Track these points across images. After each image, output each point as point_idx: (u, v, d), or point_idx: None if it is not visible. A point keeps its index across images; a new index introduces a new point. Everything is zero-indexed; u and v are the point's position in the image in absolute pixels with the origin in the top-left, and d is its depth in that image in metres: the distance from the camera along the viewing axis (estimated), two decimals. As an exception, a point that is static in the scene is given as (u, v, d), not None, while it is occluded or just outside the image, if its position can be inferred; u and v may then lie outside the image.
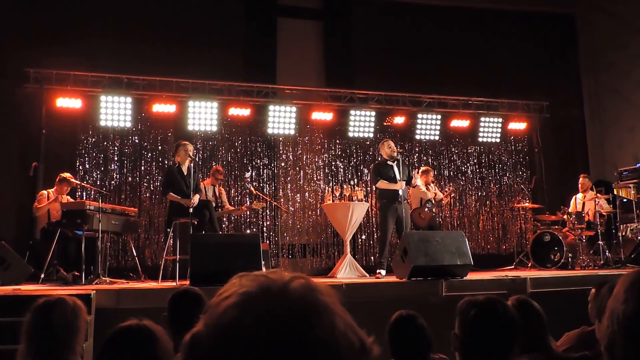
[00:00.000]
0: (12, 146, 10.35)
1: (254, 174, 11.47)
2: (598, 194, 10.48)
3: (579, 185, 10.83)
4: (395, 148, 9.17)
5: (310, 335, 0.78)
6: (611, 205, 10.44)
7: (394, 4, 12.70)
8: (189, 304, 3.48)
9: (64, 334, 2.69)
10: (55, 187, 8.64)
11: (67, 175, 8.79)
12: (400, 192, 8.82)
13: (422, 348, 3.27)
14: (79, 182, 9.27)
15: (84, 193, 10.07)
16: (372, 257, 11.53)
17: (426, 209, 10.04)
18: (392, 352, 3.27)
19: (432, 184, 10.49)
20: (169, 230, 8.31)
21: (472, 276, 7.74)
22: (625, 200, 10.70)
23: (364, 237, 11.78)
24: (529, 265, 10.28)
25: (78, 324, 2.74)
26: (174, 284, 7.30)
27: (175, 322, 3.38)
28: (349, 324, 0.83)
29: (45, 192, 8.62)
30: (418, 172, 10.55)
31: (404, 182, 8.89)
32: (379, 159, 9.47)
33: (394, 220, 8.80)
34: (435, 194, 10.32)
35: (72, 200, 8.82)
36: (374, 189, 9.76)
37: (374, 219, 11.69)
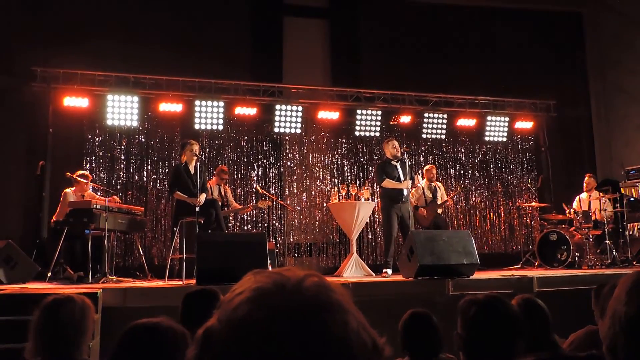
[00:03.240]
0: (19, 145, 10.39)
1: (260, 173, 11.48)
2: (601, 193, 10.45)
3: (584, 184, 10.80)
4: (399, 148, 9.19)
5: (324, 332, 0.78)
6: (618, 205, 10.40)
7: (400, 3, 12.69)
8: (206, 303, 3.45)
9: (72, 332, 2.69)
10: (75, 187, 8.62)
11: (83, 172, 8.80)
12: (405, 192, 8.83)
13: (435, 346, 3.28)
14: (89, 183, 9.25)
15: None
16: (378, 256, 11.53)
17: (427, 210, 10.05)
18: (404, 349, 3.27)
19: (437, 183, 10.47)
20: (175, 229, 8.33)
21: (478, 275, 7.74)
22: (632, 199, 10.66)
23: (370, 236, 11.78)
24: (536, 264, 10.25)
25: (86, 322, 2.75)
26: (180, 282, 7.31)
27: (188, 322, 3.35)
28: (362, 323, 0.83)
29: (69, 190, 8.59)
30: (419, 174, 10.52)
31: (410, 182, 8.91)
32: (384, 158, 9.47)
33: (398, 219, 8.81)
34: (441, 195, 10.30)
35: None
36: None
37: (379, 218, 11.68)
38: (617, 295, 1.26)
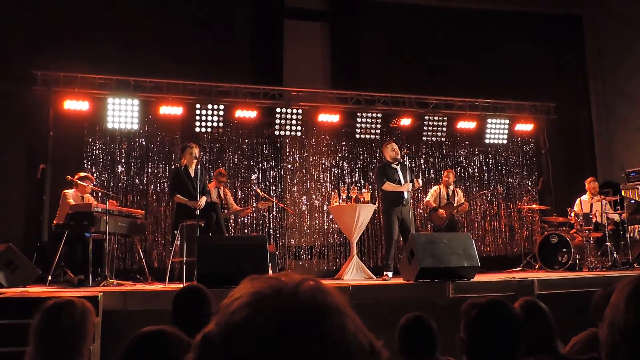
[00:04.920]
0: (20, 148, 10.39)
1: (260, 175, 11.48)
2: (601, 195, 10.43)
3: (590, 189, 10.74)
4: (399, 150, 9.18)
5: (322, 335, 0.78)
6: (619, 207, 10.39)
7: (400, 6, 12.70)
8: (194, 301, 3.47)
9: (72, 336, 2.68)
10: (75, 189, 8.62)
11: (85, 174, 8.80)
12: (405, 195, 8.81)
13: (430, 348, 3.28)
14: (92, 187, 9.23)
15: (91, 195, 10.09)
16: (378, 259, 11.52)
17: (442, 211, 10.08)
18: (400, 351, 3.28)
19: (456, 189, 10.52)
20: (175, 232, 8.32)
21: (479, 278, 7.72)
22: (633, 201, 10.64)
23: (370, 239, 11.77)
24: (537, 266, 10.24)
25: (86, 326, 2.75)
26: (180, 285, 7.30)
27: (179, 320, 3.36)
28: (359, 326, 0.83)
29: (70, 191, 8.60)
30: (418, 177, 10.56)
31: (410, 185, 8.89)
32: (383, 160, 9.47)
33: (399, 222, 8.80)
34: (457, 200, 10.33)
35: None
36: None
37: (380, 221, 11.70)
38: (615, 302, 1.25)
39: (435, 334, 3.31)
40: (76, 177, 8.60)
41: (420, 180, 9.50)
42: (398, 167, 9.07)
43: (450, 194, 10.33)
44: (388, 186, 8.92)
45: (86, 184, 8.60)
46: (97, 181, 10.31)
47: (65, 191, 8.56)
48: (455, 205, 10.22)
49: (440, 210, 10.10)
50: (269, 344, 0.76)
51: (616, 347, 1.22)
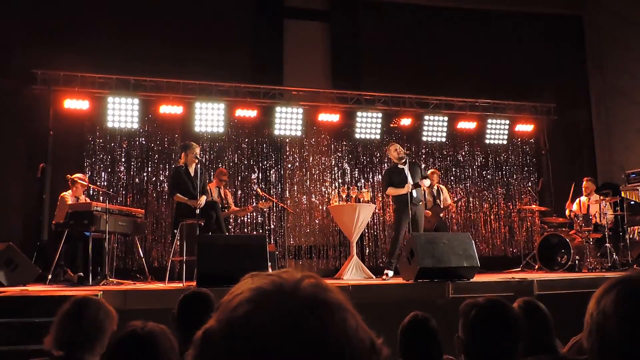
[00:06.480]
0: (20, 147, 10.39)
1: (260, 175, 11.48)
2: (601, 196, 10.42)
3: (583, 188, 10.77)
4: (402, 150, 9.05)
5: (323, 331, 0.78)
6: (618, 208, 10.39)
7: (400, 6, 12.69)
8: (199, 306, 3.48)
9: (92, 330, 2.75)
10: (72, 190, 8.63)
11: (79, 175, 8.82)
12: (415, 194, 8.66)
13: (434, 351, 3.26)
14: (88, 185, 9.23)
15: (91, 194, 10.09)
16: (378, 259, 11.53)
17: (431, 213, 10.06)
18: (402, 353, 3.26)
19: (440, 186, 10.49)
20: (175, 231, 8.32)
21: (478, 278, 7.72)
22: (632, 202, 10.64)
23: (370, 239, 11.77)
24: (536, 267, 10.25)
25: (106, 327, 2.81)
26: (180, 285, 7.31)
27: (183, 323, 3.37)
28: (360, 323, 0.84)
29: (67, 193, 8.61)
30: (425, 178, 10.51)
31: (411, 184, 8.73)
32: (389, 163, 9.39)
33: (408, 222, 8.67)
34: (443, 198, 10.32)
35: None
36: (381, 191, 9.73)
37: (380, 221, 11.72)
38: (601, 310, 1.25)
39: (439, 338, 3.29)
40: (74, 176, 8.63)
41: (426, 181, 9.23)
42: (405, 167, 8.84)
43: (435, 193, 10.29)
44: (390, 191, 8.80)
45: (84, 182, 8.62)
46: (97, 180, 10.34)
47: (63, 194, 8.59)
48: (442, 207, 10.21)
49: (427, 211, 10.03)
50: (269, 340, 0.77)
51: (607, 354, 1.22)
